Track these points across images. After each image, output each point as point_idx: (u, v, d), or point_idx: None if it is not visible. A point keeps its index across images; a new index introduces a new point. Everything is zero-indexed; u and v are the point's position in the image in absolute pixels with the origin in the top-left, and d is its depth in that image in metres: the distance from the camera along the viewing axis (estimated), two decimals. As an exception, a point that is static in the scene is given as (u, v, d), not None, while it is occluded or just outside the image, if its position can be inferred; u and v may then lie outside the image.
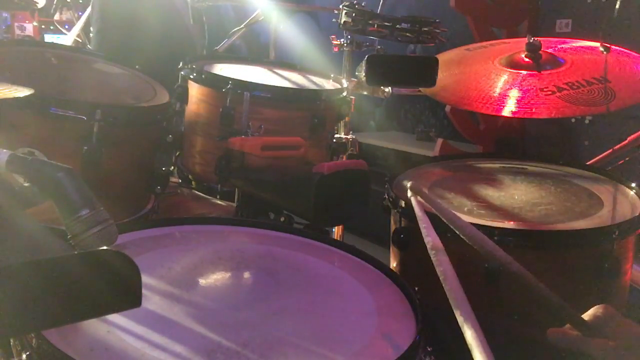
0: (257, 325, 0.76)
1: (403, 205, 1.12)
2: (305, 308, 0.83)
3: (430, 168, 1.41)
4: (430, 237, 0.86)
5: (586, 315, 0.80)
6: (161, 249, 0.95)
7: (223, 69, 1.45)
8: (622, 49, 1.51)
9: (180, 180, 1.65)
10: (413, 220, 0.95)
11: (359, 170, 1.11)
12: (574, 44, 1.56)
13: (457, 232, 0.84)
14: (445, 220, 0.86)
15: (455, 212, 0.90)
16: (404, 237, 1.10)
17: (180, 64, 1.39)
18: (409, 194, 0.94)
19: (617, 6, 1.05)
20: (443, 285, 0.78)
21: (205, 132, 1.34)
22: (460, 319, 0.72)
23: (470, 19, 3.19)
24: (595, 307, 0.81)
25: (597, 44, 1.53)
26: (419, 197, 0.94)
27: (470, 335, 0.68)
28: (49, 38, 4.65)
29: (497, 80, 1.43)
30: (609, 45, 1.33)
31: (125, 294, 0.50)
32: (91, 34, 2.09)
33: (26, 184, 0.73)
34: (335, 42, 1.59)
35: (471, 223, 1.03)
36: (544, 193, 1.22)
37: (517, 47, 1.53)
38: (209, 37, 2.24)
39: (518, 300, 0.97)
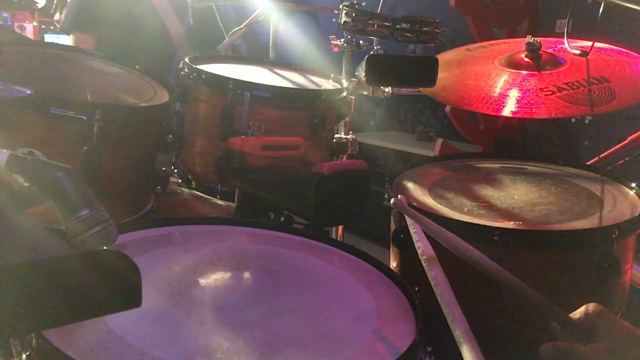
0: (257, 325, 0.76)
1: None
2: (305, 308, 0.83)
3: (430, 168, 1.41)
4: (420, 243, 0.87)
5: (576, 313, 0.81)
6: (161, 249, 0.95)
7: (223, 69, 1.45)
8: (622, 49, 1.51)
9: (180, 180, 1.65)
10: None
11: (359, 170, 1.11)
12: (574, 44, 1.56)
13: (443, 244, 0.85)
14: (430, 234, 0.87)
15: (441, 222, 0.90)
16: (404, 237, 1.10)
17: (180, 64, 1.39)
18: (392, 202, 0.94)
19: (601, 8, 1.05)
20: (434, 289, 0.79)
21: (205, 132, 1.34)
22: (451, 324, 0.72)
23: (470, 19, 3.19)
24: (585, 305, 0.81)
25: (599, 44, 1.53)
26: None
27: (462, 343, 0.69)
28: (49, 38, 4.65)
29: (497, 80, 1.43)
30: (587, 50, 1.33)
31: (125, 294, 0.50)
32: None
33: (26, 184, 0.73)
34: (335, 42, 1.59)
35: (471, 223, 1.03)
36: (544, 193, 1.22)
37: (517, 47, 1.53)
38: (209, 37, 2.24)
39: (517, 301, 0.96)
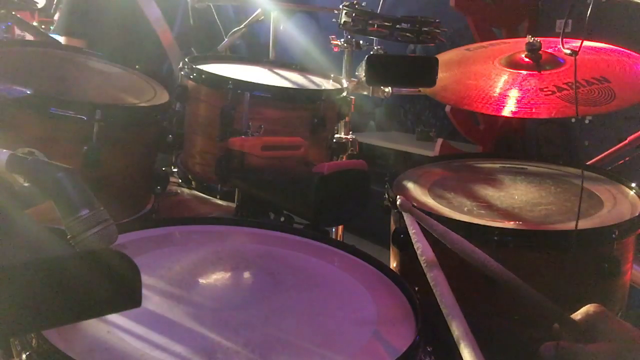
0: (257, 325, 0.76)
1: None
2: (305, 308, 0.83)
3: (430, 168, 1.41)
4: (420, 243, 0.87)
5: (578, 314, 0.81)
6: (161, 249, 0.95)
7: (223, 69, 1.45)
8: (623, 49, 1.51)
9: (180, 180, 1.65)
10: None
11: (359, 170, 1.11)
12: (574, 44, 1.56)
13: (448, 245, 0.85)
14: (436, 235, 0.87)
15: (441, 222, 0.90)
16: (404, 237, 1.10)
17: (180, 64, 1.39)
18: (398, 202, 0.95)
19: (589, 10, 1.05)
20: (434, 290, 0.79)
21: (205, 132, 1.34)
22: (451, 325, 0.72)
23: (470, 19, 3.19)
24: (587, 306, 0.81)
25: (599, 44, 1.53)
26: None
27: (462, 344, 0.69)
28: (49, 38, 4.64)
29: (497, 80, 1.43)
30: (576, 50, 1.32)
31: (125, 294, 0.50)
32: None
33: (26, 184, 0.73)
34: (335, 42, 1.59)
35: (471, 223, 1.03)
36: (544, 193, 1.22)
37: (517, 47, 1.53)
38: (209, 37, 2.25)
39: (518, 301, 0.97)
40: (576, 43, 1.48)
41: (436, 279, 0.81)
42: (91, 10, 2.12)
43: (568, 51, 1.32)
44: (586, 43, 1.54)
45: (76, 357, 0.61)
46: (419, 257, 0.86)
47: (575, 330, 0.80)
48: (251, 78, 1.36)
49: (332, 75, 1.56)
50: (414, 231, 0.90)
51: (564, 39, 1.49)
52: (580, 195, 0.97)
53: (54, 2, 2.31)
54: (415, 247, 0.88)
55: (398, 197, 0.96)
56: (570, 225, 1.04)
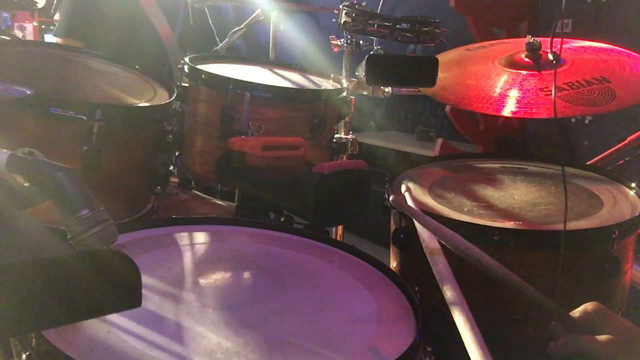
0: (257, 325, 0.76)
1: (403, 205, 1.11)
2: (305, 308, 0.83)
3: (430, 168, 1.41)
4: (425, 236, 0.86)
5: (576, 312, 0.81)
6: (161, 249, 0.95)
7: (223, 69, 1.45)
8: (623, 49, 1.51)
9: (180, 180, 1.65)
10: (413, 220, 0.96)
11: (359, 170, 1.11)
12: (574, 44, 1.56)
13: (442, 242, 0.85)
14: (430, 231, 0.87)
15: (441, 222, 0.90)
16: (404, 237, 1.10)
17: (180, 64, 1.39)
18: (391, 199, 0.95)
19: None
20: (440, 285, 0.79)
21: (205, 132, 1.34)
22: (457, 319, 0.72)
23: (470, 19, 3.19)
24: (586, 304, 0.82)
25: (599, 44, 1.53)
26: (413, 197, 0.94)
27: (467, 335, 0.69)
28: (49, 38, 4.65)
29: (497, 80, 1.43)
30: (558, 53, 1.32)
31: (125, 294, 0.50)
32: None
33: (26, 184, 0.73)
34: (335, 42, 1.59)
35: (471, 223, 1.03)
36: (544, 193, 1.22)
37: (517, 47, 1.53)
38: (209, 37, 2.25)
39: (518, 300, 0.97)
40: (575, 44, 1.48)
41: (442, 272, 0.80)
42: (92, 13, 2.12)
43: (551, 57, 1.32)
44: (586, 43, 1.54)
45: (76, 357, 0.61)
46: (424, 249, 0.85)
47: (574, 328, 0.80)
48: (251, 78, 1.36)
49: (332, 75, 1.56)
50: (419, 225, 0.90)
51: (558, 39, 1.49)
52: (602, 198, 0.96)
53: (54, 2, 2.30)
54: (420, 239, 0.88)
55: (392, 195, 0.96)
56: (570, 225, 1.04)
